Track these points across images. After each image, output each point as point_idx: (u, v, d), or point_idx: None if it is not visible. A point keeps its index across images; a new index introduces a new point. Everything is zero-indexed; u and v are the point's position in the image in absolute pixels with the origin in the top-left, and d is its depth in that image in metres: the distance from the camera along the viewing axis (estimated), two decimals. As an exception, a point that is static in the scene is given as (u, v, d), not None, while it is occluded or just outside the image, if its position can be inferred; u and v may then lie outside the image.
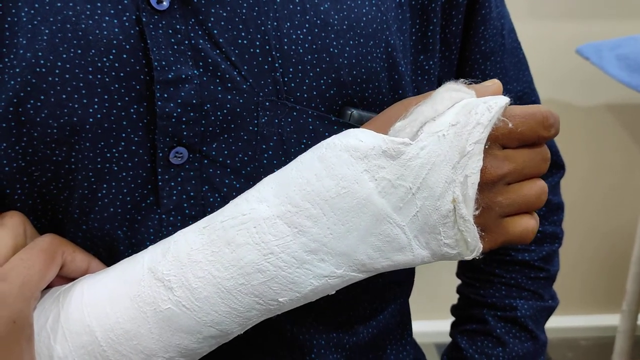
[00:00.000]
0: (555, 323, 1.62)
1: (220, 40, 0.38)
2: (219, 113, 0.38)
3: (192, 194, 0.39)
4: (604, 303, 1.62)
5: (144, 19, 0.36)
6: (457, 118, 0.34)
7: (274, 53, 0.38)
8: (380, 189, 0.34)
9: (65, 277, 0.38)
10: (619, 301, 1.34)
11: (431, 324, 1.46)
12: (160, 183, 0.38)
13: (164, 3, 0.37)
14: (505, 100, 0.35)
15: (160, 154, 0.38)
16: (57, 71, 0.36)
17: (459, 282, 0.60)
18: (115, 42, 0.36)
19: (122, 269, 0.37)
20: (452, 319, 0.60)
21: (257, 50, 0.38)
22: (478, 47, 0.48)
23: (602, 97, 1.46)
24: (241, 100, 0.38)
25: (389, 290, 0.50)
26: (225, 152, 0.39)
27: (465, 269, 0.59)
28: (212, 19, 0.37)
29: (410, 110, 0.35)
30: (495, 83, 0.37)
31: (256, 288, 0.34)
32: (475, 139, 0.33)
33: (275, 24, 0.38)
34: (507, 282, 0.55)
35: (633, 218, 1.38)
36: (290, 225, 0.34)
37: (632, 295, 1.30)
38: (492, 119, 0.34)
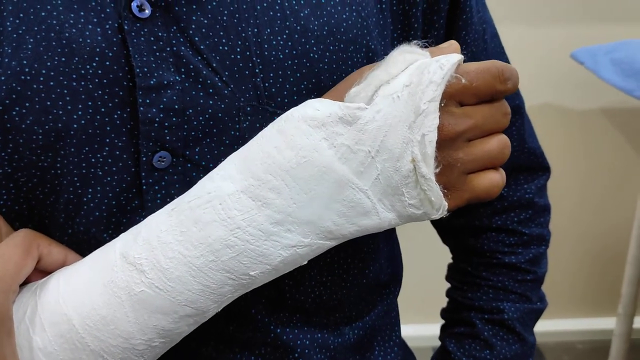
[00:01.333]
0: (551, 326, 1.62)
1: (202, 47, 0.38)
2: (201, 118, 0.39)
3: (176, 197, 0.39)
4: (600, 306, 1.62)
5: (126, 27, 0.37)
6: (411, 79, 0.34)
7: (254, 59, 0.39)
8: (339, 155, 0.34)
9: (43, 271, 0.38)
10: (615, 304, 1.34)
11: (427, 327, 1.46)
12: (144, 187, 0.39)
13: (146, 11, 0.37)
14: (457, 57, 0.35)
15: (144, 159, 0.38)
16: (41, 79, 0.37)
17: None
18: (98, 49, 0.37)
19: (95, 258, 0.37)
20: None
21: (238, 57, 0.39)
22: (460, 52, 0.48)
23: (597, 101, 1.46)
24: (223, 106, 0.39)
25: (374, 291, 0.51)
26: (208, 156, 0.40)
27: (453, 272, 0.59)
28: (193, 26, 0.38)
29: (364, 75, 0.35)
30: (451, 44, 0.37)
31: (226, 264, 0.35)
32: (429, 97, 0.34)
33: (255, 30, 0.39)
34: (494, 285, 0.55)
35: (628, 221, 1.38)
36: (254, 199, 0.34)
37: (628, 299, 1.30)
38: (444, 76, 0.34)
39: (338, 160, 0.34)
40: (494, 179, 0.37)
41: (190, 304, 0.35)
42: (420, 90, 0.34)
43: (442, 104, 0.34)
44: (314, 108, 0.34)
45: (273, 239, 0.35)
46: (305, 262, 0.37)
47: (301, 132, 0.34)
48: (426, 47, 0.37)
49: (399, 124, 0.34)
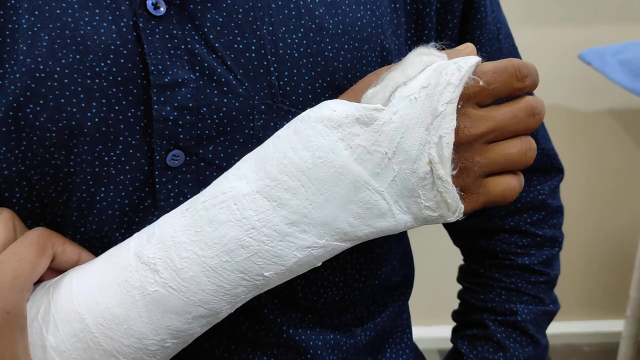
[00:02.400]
0: (559, 329, 1.62)
1: (216, 44, 0.38)
2: (215, 116, 0.39)
3: (189, 195, 0.39)
4: (608, 309, 1.61)
5: (141, 25, 0.37)
6: (428, 80, 0.34)
7: (269, 57, 0.39)
8: (356, 156, 0.34)
9: (56, 270, 0.38)
10: (623, 307, 1.33)
11: (434, 329, 1.46)
12: (157, 185, 0.39)
13: (161, 9, 0.37)
14: (475, 59, 0.34)
15: (158, 157, 0.38)
16: (56, 76, 0.37)
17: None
18: (112, 47, 0.37)
19: (109, 257, 0.37)
20: (455, 324, 0.60)
21: (253, 55, 0.38)
22: None
23: (605, 102, 1.46)
24: (237, 104, 0.39)
25: (386, 293, 0.50)
26: (222, 154, 0.39)
27: (465, 274, 0.59)
28: (208, 24, 0.38)
29: (381, 77, 0.35)
30: (468, 46, 0.37)
31: (241, 264, 0.35)
32: (447, 99, 0.33)
33: (270, 28, 0.39)
34: (507, 287, 0.55)
35: (636, 223, 1.38)
36: (269, 200, 0.34)
37: (636, 301, 1.29)
38: (462, 78, 0.34)
39: (354, 161, 0.34)
40: (510, 183, 0.36)
41: (204, 304, 0.35)
42: (437, 92, 0.33)
43: (460, 106, 0.34)
44: (331, 109, 0.34)
45: (288, 239, 0.35)
46: (319, 264, 0.37)
47: (317, 133, 0.34)
48: (443, 49, 0.36)
49: (416, 126, 0.34)
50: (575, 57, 1.27)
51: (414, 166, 0.34)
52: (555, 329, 1.72)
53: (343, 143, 0.34)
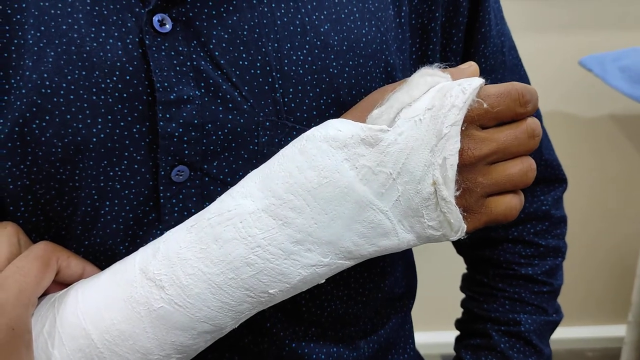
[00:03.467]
0: (562, 334, 1.61)
1: (222, 61, 0.38)
2: (219, 133, 0.39)
3: (193, 210, 0.39)
4: (610, 314, 1.61)
5: (147, 42, 0.37)
6: (433, 102, 0.34)
7: (274, 74, 0.39)
8: (361, 176, 0.34)
9: (61, 283, 0.38)
10: (625, 312, 1.33)
11: (437, 335, 1.46)
12: (162, 200, 0.39)
13: (167, 26, 0.37)
14: (479, 81, 0.35)
15: (162, 172, 0.38)
16: (62, 92, 0.37)
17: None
18: (118, 64, 0.37)
19: (114, 272, 0.37)
20: (457, 333, 0.60)
21: (258, 71, 0.39)
22: (479, 64, 0.48)
23: (605, 108, 1.46)
24: (242, 120, 0.39)
25: (389, 305, 0.50)
26: (226, 170, 0.40)
27: (469, 283, 0.59)
28: (213, 40, 0.38)
29: (386, 97, 0.36)
30: (471, 65, 0.37)
31: (246, 281, 0.35)
32: (451, 122, 0.34)
33: (275, 45, 0.39)
34: (510, 297, 0.55)
35: (638, 229, 1.38)
36: (275, 218, 0.35)
37: (638, 307, 1.29)
38: (466, 100, 0.34)
39: (359, 181, 0.34)
40: (511, 202, 0.37)
41: (209, 320, 0.35)
42: (442, 114, 0.34)
43: (463, 128, 0.35)
44: (336, 129, 0.35)
45: (293, 258, 0.35)
46: (323, 281, 0.37)
47: (323, 153, 0.34)
48: (446, 67, 0.37)
49: (421, 147, 0.34)
50: (576, 63, 1.27)
51: (418, 187, 0.34)
52: (558, 334, 1.71)
53: (348, 163, 0.34)
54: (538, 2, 1.36)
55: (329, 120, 0.36)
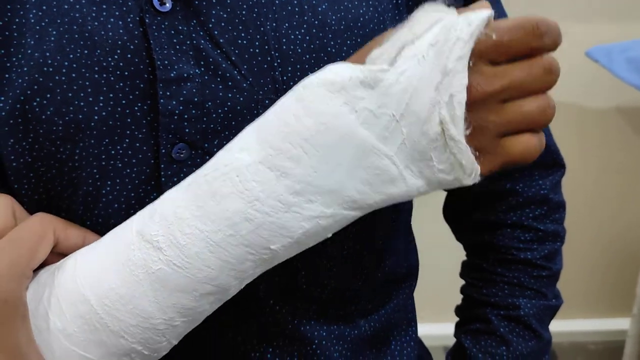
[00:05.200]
0: (565, 327, 1.61)
1: (221, 40, 0.39)
2: (219, 111, 0.39)
3: None
4: (614, 307, 1.61)
5: (147, 20, 0.37)
6: (437, 37, 0.32)
7: (272, 53, 0.39)
8: (362, 120, 0.32)
9: (62, 254, 0.38)
10: (629, 305, 1.33)
11: (440, 326, 1.46)
12: (163, 179, 0.39)
13: (167, 5, 0.38)
14: (487, 12, 0.32)
15: (163, 151, 0.39)
16: (63, 70, 0.37)
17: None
18: (119, 42, 0.38)
19: (112, 237, 0.37)
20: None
21: (257, 50, 0.39)
22: None
23: (612, 99, 1.45)
24: (241, 99, 0.39)
25: (390, 285, 0.51)
26: None
27: (468, 269, 0.59)
28: (213, 20, 0.38)
29: (387, 37, 0.33)
30: (482, 3, 0.34)
31: (245, 238, 0.34)
32: (457, 56, 0.31)
33: (274, 24, 0.39)
34: (509, 281, 0.55)
35: (643, 221, 1.37)
36: (272, 169, 0.33)
37: (643, 300, 1.29)
38: (473, 33, 0.32)
39: (360, 125, 0.32)
40: (530, 142, 0.34)
41: (210, 281, 0.34)
42: (447, 48, 0.31)
43: (472, 63, 0.32)
44: (333, 72, 0.33)
45: (294, 210, 0.33)
46: (330, 235, 0.35)
47: (320, 98, 0.32)
48: (452, 6, 0.34)
49: (425, 86, 0.32)
50: (583, 54, 1.27)
51: (424, 127, 0.32)
52: (561, 327, 1.72)
53: (347, 107, 0.32)
54: (545, -7, 1.35)
55: (327, 65, 0.34)
